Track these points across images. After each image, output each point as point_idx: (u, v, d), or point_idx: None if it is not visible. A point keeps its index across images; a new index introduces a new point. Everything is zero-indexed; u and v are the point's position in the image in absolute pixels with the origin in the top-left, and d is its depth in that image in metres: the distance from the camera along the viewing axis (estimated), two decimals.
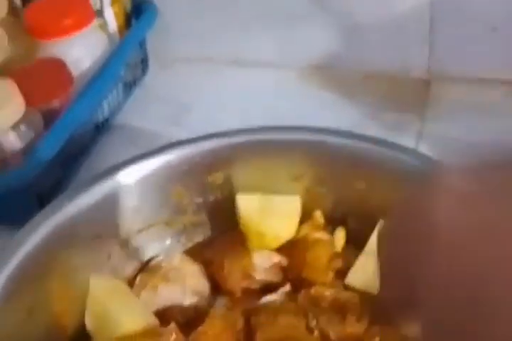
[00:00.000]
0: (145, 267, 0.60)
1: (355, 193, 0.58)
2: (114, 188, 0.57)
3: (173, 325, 0.51)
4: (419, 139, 0.75)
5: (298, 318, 0.51)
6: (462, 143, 0.72)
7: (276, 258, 0.57)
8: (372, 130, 0.75)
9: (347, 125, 0.74)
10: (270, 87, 0.86)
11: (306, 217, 0.59)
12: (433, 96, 0.81)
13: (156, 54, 0.92)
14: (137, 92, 0.89)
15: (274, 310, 0.51)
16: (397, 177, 0.55)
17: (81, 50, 0.78)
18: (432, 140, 0.74)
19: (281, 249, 0.58)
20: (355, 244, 0.57)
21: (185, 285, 0.57)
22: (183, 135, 0.61)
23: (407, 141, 0.71)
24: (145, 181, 0.58)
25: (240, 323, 0.50)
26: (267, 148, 0.59)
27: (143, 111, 0.86)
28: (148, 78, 0.91)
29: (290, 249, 0.57)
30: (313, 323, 0.51)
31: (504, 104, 0.78)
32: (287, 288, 0.56)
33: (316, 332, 0.51)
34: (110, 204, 0.57)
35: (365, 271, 0.54)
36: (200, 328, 0.50)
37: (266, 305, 0.53)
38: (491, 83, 0.80)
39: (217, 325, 0.50)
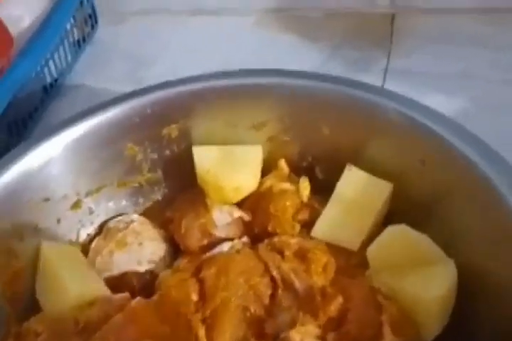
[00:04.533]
0: (101, 231, 0.56)
1: (321, 139, 0.53)
2: (56, 149, 0.52)
3: (125, 295, 0.47)
4: (385, 76, 0.71)
5: (254, 267, 0.47)
6: (430, 77, 0.68)
7: (238, 213, 0.53)
8: (337, 70, 0.70)
9: (310, 67, 0.70)
10: (230, 35, 0.80)
11: (269, 167, 0.55)
12: (398, 30, 0.76)
13: (108, 8, 0.85)
14: (89, 50, 0.83)
15: (226, 258, 0.47)
16: (365, 120, 0.51)
17: (19, 8, 0.72)
18: (398, 75, 0.70)
19: (243, 203, 0.54)
20: (324, 194, 0.52)
21: (143, 250, 0.53)
22: None
23: (374, 79, 0.67)
24: (92, 138, 0.53)
25: (195, 293, 0.46)
26: (225, 94, 0.54)
27: (98, 70, 0.81)
28: (101, 34, 0.85)
29: (253, 202, 0.53)
30: (274, 272, 0.47)
31: (472, 33, 0.73)
32: (245, 239, 0.52)
33: (278, 282, 0.46)
34: (53, 165, 0.52)
35: (331, 222, 0.50)
36: (156, 298, 0.46)
37: (219, 255, 0.49)
38: (458, 13, 0.76)
39: (171, 295, 0.45)
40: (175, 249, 0.54)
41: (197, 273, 0.47)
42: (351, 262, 0.48)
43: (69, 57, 0.79)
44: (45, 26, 0.72)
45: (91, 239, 0.55)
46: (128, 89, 0.74)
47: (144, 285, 0.51)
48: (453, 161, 0.45)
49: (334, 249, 0.48)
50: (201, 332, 0.44)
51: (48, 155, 0.52)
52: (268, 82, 0.54)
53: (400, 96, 0.50)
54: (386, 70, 0.71)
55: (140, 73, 0.79)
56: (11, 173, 0.50)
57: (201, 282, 0.46)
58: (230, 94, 0.54)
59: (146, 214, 0.57)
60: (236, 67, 0.55)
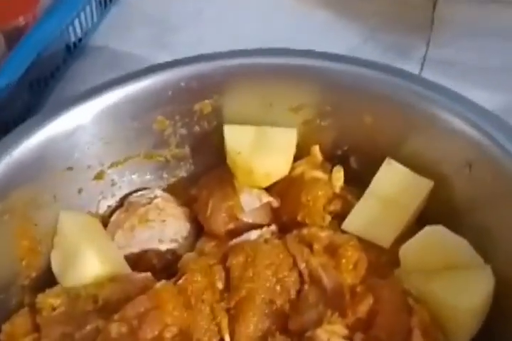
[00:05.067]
0: (122, 204, 0.54)
1: (361, 128, 0.51)
2: (84, 116, 0.50)
3: (148, 275, 0.46)
4: (423, 65, 0.68)
5: (282, 259, 0.45)
6: (470, 69, 0.66)
7: (267, 198, 0.51)
8: (373, 54, 0.67)
9: (345, 49, 0.67)
10: (265, 6, 0.77)
11: (302, 153, 0.52)
12: (440, 18, 0.73)
13: None
14: (115, 11, 0.80)
15: (254, 248, 0.45)
16: (410, 113, 0.49)
17: None
18: (437, 65, 0.67)
19: (273, 188, 0.52)
20: (357, 185, 0.50)
21: (166, 228, 0.51)
22: (168, 59, 0.53)
23: (411, 68, 0.64)
24: (120, 109, 0.51)
25: (221, 282, 0.44)
26: (263, 73, 0.52)
27: (122, 33, 0.78)
28: None
29: (283, 188, 0.51)
30: (302, 266, 0.45)
31: None
32: (273, 227, 0.50)
33: (305, 276, 0.45)
34: (81, 133, 0.50)
35: (364, 216, 0.48)
36: (180, 282, 0.44)
37: (247, 244, 0.47)
38: (503, 4, 0.73)
39: (197, 281, 0.44)
40: (197, 230, 0.53)
41: (223, 260, 0.45)
42: (381, 259, 0.47)
43: (95, 18, 0.76)
44: None
45: (111, 211, 0.54)
46: (151, 54, 0.72)
47: (165, 264, 0.50)
48: (502, 168, 0.43)
49: (365, 245, 0.47)
50: (224, 321, 0.43)
51: (76, 123, 0.50)
52: (313, 64, 0.51)
53: (452, 92, 0.47)
54: (424, 59, 0.69)
55: (165, 39, 0.76)
56: (35, 138, 0.48)
57: (227, 270, 0.45)
58: (270, 73, 0.52)
59: (169, 190, 0.55)
60: (267, 43, 0.53)
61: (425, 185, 0.48)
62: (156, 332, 0.42)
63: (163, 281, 0.44)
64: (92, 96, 0.50)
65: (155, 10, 0.80)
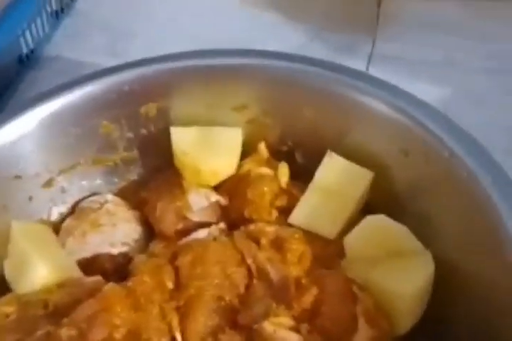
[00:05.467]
0: (73, 210, 0.55)
1: (303, 123, 0.52)
2: (28, 125, 0.50)
3: (98, 278, 0.46)
4: (370, 61, 0.69)
5: (230, 256, 0.45)
6: (414, 64, 0.67)
7: (215, 197, 0.51)
8: (321, 52, 0.69)
9: (292, 47, 0.69)
10: (214, 9, 0.78)
11: (248, 151, 0.53)
12: (385, 14, 0.75)
13: None
14: (68, 21, 0.80)
15: (202, 247, 0.46)
16: (349, 106, 0.50)
17: None
18: (383, 61, 0.69)
19: (221, 187, 0.52)
20: (303, 180, 0.51)
21: (117, 232, 0.51)
22: None
23: (357, 64, 0.66)
24: (66, 114, 0.51)
25: (171, 281, 0.45)
26: (205, 74, 0.52)
27: (76, 42, 0.78)
28: (81, 5, 0.82)
29: (231, 186, 0.52)
30: (249, 261, 0.46)
31: (457, 21, 0.72)
32: (222, 225, 0.50)
33: (253, 271, 0.45)
34: (25, 142, 0.50)
35: (309, 209, 0.49)
36: (129, 284, 0.45)
37: (195, 243, 0.47)
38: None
39: (146, 282, 0.44)
40: (149, 232, 0.53)
41: (173, 259, 0.46)
42: (328, 251, 0.47)
43: (46, 28, 0.76)
44: None
45: (63, 218, 0.54)
46: (106, 62, 0.72)
47: (117, 268, 0.50)
48: (437, 154, 0.44)
49: (311, 237, 0.47)
50: (175, 320, 0.43)
51: (21, 131, 0.50)
52: (250, 63, 0.52)
53: (386, 83, 0.48)
54: (371, 55, 0.70)
55: (119, 46, 0.77)
56: None
57: (176, 269, 0.45)
58: (211, 74, 0.53)
59: (120, 194, 0.56)
60: (218, 44, 0.54)
61: (366, 175, 0.49)
62: (106, 334, 0.42)
63: (111, 283, 0.45)
64: (35, 104, 0.50)
65: (108, 18, 0.80)
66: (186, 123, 0.53)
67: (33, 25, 0.73)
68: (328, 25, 0.74)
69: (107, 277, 0.48)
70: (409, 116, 0.46)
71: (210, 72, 0.53)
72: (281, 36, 0.73)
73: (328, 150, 0.49)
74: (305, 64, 0.51)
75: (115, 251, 0.51)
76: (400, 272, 0.43)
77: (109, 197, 0.55)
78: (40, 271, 0.46)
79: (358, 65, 0.67)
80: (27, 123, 0.50)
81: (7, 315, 0.46)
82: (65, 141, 0.52)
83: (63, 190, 0.54)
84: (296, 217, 0.49)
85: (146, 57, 0.54)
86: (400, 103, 0.47)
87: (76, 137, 0.52)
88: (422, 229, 0.45)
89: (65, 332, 0.42)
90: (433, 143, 0.44)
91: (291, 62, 0.51)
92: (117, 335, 0.42)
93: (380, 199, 0.49)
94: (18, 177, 0.51)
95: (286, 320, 0.42)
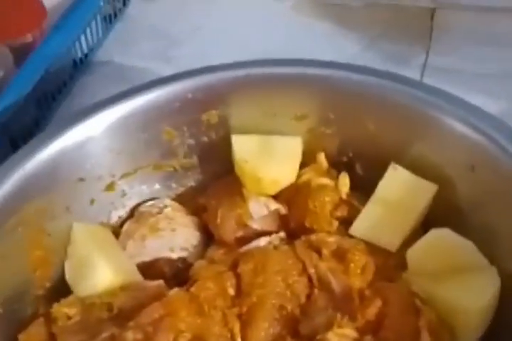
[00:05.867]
0: (132, 214, 0.55)
1: (363, 134, 0.52)
2: (95, 128, 0.51)
3: (160, 282, 0.47)
4: (423, 72, 0.69)
5: (292, 265, 0.46)
6: (469, 76, 0.67)
7: (274, 205, 0.52)
8: (374, 62, 0.68)
9: (347, 57, 0.69)
10: (266, 18, 0.79)
11: (308, 160, 0.53)
12: (439, 26, 0.75)
13: None
14: (119, 26, 0.81)
15: (263, 255, 0.46)
16: (413, 118, 0.50)
17: None
18: (436, 73, 0.69)
19: (280, 196, 0.53)
20: (363, 191, 0.51)
21: (176, 237, 0.52)
22: (173, 72, 0.55)
23: (411, 75, 0.65)
24: (130, 120, 0.52)
25: (232, 288, 0.45)
26: (267, 83, 0.53)
27: (127, 47, 0.79)
28: (132, 10, 0.83)
29: (290, 195, 0.52)
30: (311, 271, 0.46)
31: None
32: (282, 234, 0.51)
33: (314, 281, 0.46)
34: (91, 145, 0.51)
35: (371, 221, 0.49)
36: (192, 290, 0.45)
37: (257, 251, 0.48)
38: (501, 12, 0.74)
39: (209, 288, 0.45)
40: (206, 238, 0.54)
41: (234, 267, 0.46)
42: (389, 263, 0.47)
43: (100, 33, 0.77)
44: (79, 1, 0.71)
45: (122, 221, 0.55)
46: (157, 67, 0.74)
47: (176, 272, 0.51)
48: (505, 169, 0.44)
49: (372, 249, 0.48)
50: (236, 327, 0.44)
51: (87, 135, 0.51)
52: (314, 73, 0.52)
53: (452, 95, 0.48)
54: (424, 66, 0.70)
55: (169, 52, 0.78)
56: (48, 151, 0.49)
57: (238, 277, 0.46)
58: (273, 83, 0.53)
59: (177, 199, 0.56)
60: (269, 54, 0.54)
61: (429, 188, 0.49)
62: (171, 339, 0.43)
63: (176, 289, 0.45)
64: (102, 108, 0.51)
65: (158, 25, 0.81)
66: (246, 131, 0.54)
67: (88, 30, 0.74)
68: (381, 36, 0.74)
69: (166, 281, 0.48)
70: (478, 129, 0.46)
71: (271, 81, 0.53)
72: (334, 46, 0.74)
73: (392, 163, 0.50)
74: (367, 74, 0.51)
75: (174, 255, 0.51)
76: (465, 287, 0.43)
77: (168, 202, 0.55)
78: (104, 274, 0.47)
79: (412, 76, 0.67)
80: (94, 127, 0.51)
81: (69, 317, 0.47)
82: (128, 145, 0.53)
83: (123, 194, 0.55)
84: (358, 228, 0.49)
85: (208, 65, 0.55)
86: (468, 116, 0.47)
87: (139, 142, 0.53)
88: (485, 244, 0.45)
89: (130, 335, 0.43)
90: (502, 158, 0.44)
91: (354, 73, 0.51)
92: (182, 340, 0.43)
93: (441, 212, 0.49)
94: (81, 179, 0.52)
95: (350, 332, 0.42)
